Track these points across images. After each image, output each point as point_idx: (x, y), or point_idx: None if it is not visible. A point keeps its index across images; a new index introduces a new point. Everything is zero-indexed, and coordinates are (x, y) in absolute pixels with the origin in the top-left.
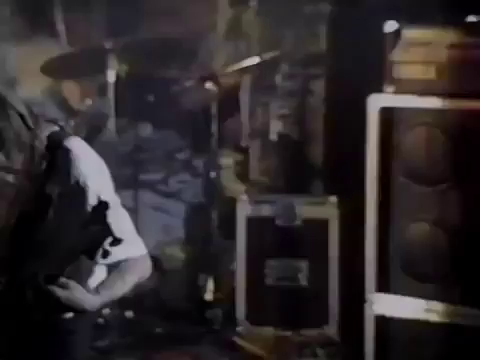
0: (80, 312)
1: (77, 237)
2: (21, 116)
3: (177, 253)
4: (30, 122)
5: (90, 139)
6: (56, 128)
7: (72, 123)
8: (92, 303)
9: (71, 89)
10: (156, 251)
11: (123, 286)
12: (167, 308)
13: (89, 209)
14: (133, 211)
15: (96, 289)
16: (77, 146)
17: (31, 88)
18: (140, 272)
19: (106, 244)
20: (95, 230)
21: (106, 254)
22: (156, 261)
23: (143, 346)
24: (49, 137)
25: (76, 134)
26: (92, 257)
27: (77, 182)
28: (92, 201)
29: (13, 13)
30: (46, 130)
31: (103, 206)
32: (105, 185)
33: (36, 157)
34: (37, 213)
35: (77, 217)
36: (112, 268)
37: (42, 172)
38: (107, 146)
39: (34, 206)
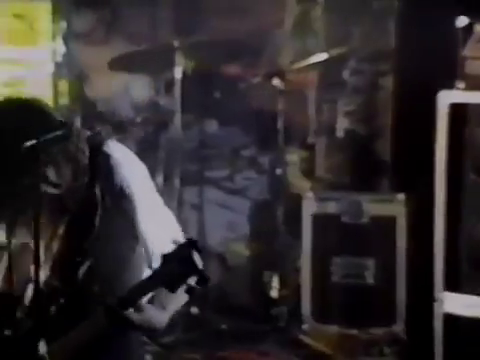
0: (151, 331)
1: (160, 270)
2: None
3: (242, 250)
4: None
5: (156, 135)
6: (92, 133)
7: (138, 119)
8: (161, 321)
9: (138, 86)
10: (221, 248)
11: (184, 297)
12: (232, 305)
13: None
14: (198, 208)
15: (162, 305)
16: (116, 151)
17: (100, 86)
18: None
19: (192, 281)
20: (180, 268)
21: (191, 291)
22: (221, 258)
23: (208, 343)
24: (88, 141)
25: (142, 130)
26: (174, 290)
27: (121, 188)
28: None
29: (82, 11)
30: (85, 136)
31: (190, 245)
32: (148, 187)
33: (81, 167)
34: (85, 222)
35: (126, 223)
36: None
37: (87, 181)
38: (173, 142)
39: (82, 215)
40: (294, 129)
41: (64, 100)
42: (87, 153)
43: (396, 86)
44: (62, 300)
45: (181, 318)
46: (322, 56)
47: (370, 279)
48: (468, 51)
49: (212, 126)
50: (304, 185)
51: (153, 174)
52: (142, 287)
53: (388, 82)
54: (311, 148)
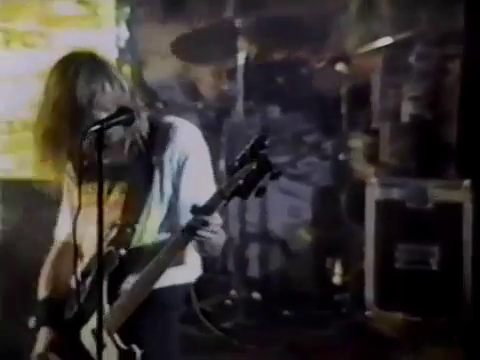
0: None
1: (228, 180)
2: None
3: (304, 236)
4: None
5: (218, 121)
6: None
7: (200, 106)
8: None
9: (200, 71)
10: (283, 234)
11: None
12: (294, 291)
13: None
14: None
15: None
16: (178, 121)
17: (160, 71)
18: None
19: (265, 180)
20: (253, 166)
21: (262, 191)
22: (283, 244)
23: (270, 328)
24: (149, 118)
25: (204, 117)
26: (246, 196)
27: (181, 151)
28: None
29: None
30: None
31: (262, 139)
32: (205, 160)
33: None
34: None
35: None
36: None
37: (147, 147)
38: (235, 128)
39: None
40: (358, 114)
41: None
42: (147, 128)
43: (464, 70)
44: (117, 263)
45: (243, 303)
46: (387, 40)
47: (435, 266)
48: None
49: (274, 112)
50: (368, 171)
51: (215, 160)
52: (217, 198)
53: (455, 66)
54: (375, 133)
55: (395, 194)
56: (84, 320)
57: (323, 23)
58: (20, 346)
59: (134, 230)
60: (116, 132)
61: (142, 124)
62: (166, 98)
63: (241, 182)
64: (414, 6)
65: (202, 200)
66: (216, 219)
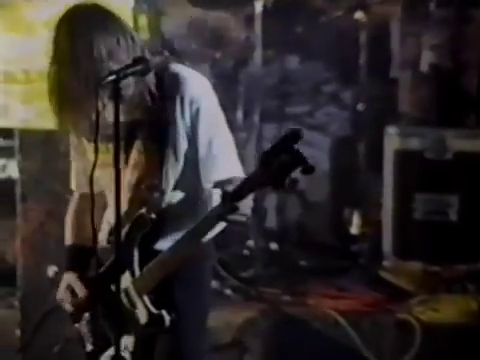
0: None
1: (260, 169)
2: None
3: (322, 186)
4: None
5: (236, 71)
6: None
7: (218, 55)
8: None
9: (217, 20)
10: (300, 184)
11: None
12: (312, 241)
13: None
14: None
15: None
16: (184, 70)
17: (178, 21)
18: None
19: (297, 172)
20: (285, 159)
21: (295, 182)
22: (301, 194)
23: (287, 278)
24: (156, 67)
25: (222, 66)
26: (279, 187)
27: (191, 102)
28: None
29: None
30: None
31: (297, 132)
32: (217, 106)
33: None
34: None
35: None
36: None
37: (155, 101)
38: (253, 78)
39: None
40: (377, 64)
41: (143, 35)
42: (154, 80)
43: None
44: (149, 227)
45: (261, 253)
46: None
47: (453, 216)
48: None
49: (293, 61)
50: (386, 121)
51: (233, 110)
52: (247, 186)
53: (478, 13)
54: (394, 83)
55: (414, 144)
56: (115, 277)
57: None
58: (42, 295)
59: (162, 193)
60: (127, 86)
61: (150, 77)
62: (183, 48)
63: (272, 173)
64: None
65: (220, 151)
66: (246, 205)
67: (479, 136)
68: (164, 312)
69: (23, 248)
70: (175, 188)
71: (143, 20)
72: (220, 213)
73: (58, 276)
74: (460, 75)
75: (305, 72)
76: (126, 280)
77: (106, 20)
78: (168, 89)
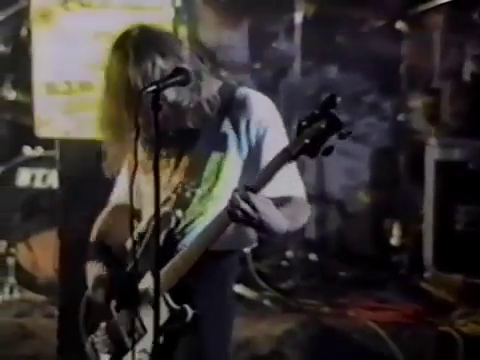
0: (269, 234)
1: (296, 139)
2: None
3: (362, 197)
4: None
5: (275, 81)
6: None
7: (257, 65)
8: (281, 226)
9: (257, 31)
10: (340, 195)
11: (300, 219)
12: (351, 252)
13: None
14: None
15: (289, 215)
16: (253, 94)
17: (218, 31)
18: (305, 214)
19: (333, 139)
20: (322, 125)
21: (329, 150)
22: (340, 205)
23: (327, 289)
24: (221, 88)
25: (261, 76)
26: (314, 155)
27: (258, 126)
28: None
29: None
30: (215, 85)
31: (332, 97)
32: (282, 132)
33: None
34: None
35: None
36: (283, 202)
37: (215, 113)
38: (292, 88)
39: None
40: (418, 74)
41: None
42: (213, 92)
43: None
44: (173, 224)
45: (300, 264)
46: None
47: None
48: None
49: (332, 71)
50: (427, 131)
51: None
52: (283, 155)
53: None
54: (436, 93)
55: (456, 155)
56: (138, 278)
57: None
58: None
59: (193, 194)
60: (182, 96)
61: (207, 87)
62: (223, 58)
63: (308, 141)
64: None
65: (282, 174)
66: (259, 198)
67: None
68: (187, 306)
69: (62, 257)
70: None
71: (183, 31)
72: (231, 201)
73: None
74: None
75: (345, 82)
76: (148, 280)
77: (142, 45)
78: (233, 106)
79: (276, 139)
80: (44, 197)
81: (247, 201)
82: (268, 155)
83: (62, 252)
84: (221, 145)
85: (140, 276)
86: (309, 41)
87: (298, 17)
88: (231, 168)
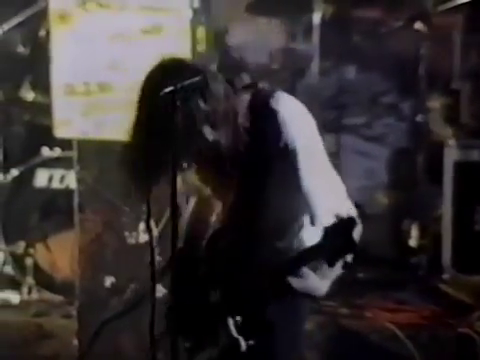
0: (310, 298)
1: (322, 243)
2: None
3: (380, 198)
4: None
5: (293, 82)
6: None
7: (275, 66)
8: (321, 288)
9: (275, 31)
10: (358, 196)
11: (339, 269)
12: (369, 253)
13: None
14: (335, 155)
15: (322, 274)
16: (285, 106)
17: (236, 32)
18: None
19: (349, 258)
20: (339, 244)
21: (347, 266)
22: (358, 206)
23: (345, 290)
24: (253, 97)
25: (279, 77)
26: (332, 265)
27: (286, 145)
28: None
29: None
30: (246, 91)
31: (351, 222)
32: (315, 142)
33: (238, 121)
34: (254, 177)
35: (287, 180)
36: None
37: (246, 135)
38: (310, 89)
39: (252, 170)
40: (437, 74)
41: (202, 47)
42: (246, 103)
43: None
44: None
45: None
46: None
47: None
48: None
49: (350, 72)
50: (446, 132)
51: None
52: (304, 257)
53: None
54: (455, 94)
55: (475, 156)
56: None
57: None
58: (99, 305)
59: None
60: (217, 102)
61: (243, 117)
62: (242, 59)
63: (328, 252)
64: None
65: (315, 187)
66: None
67: None
68: (241, 339)
69: (80, 258)
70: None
71: (201, 32)
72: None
73: (114, 286)
74: None
75: (363, 83)
76: (214, 297)
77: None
78: (266, 125)
79: (308, 149)
80: (62, 198)
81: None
82: (304, 171)
83: (80, 252)
84: (266, 165)
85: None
86: (327, 42)
87: (316, 18)
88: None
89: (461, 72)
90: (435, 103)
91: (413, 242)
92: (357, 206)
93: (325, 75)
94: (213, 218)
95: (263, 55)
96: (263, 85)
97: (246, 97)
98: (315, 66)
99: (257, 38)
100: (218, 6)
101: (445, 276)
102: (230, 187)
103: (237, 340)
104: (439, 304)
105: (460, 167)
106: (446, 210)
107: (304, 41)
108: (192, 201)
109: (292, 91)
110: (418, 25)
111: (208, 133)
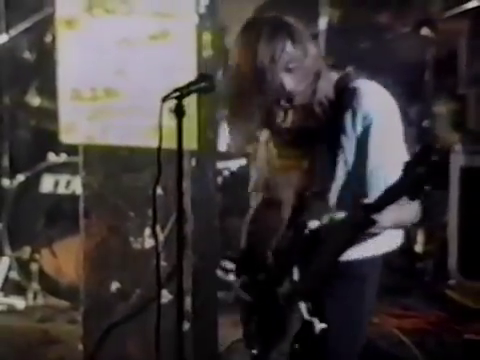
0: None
1: (401, 179)
2: None
3: None
4: None
5: None
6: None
7: None
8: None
9: None
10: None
11: (406, 216)
12: None
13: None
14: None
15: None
16: (364, 84)
17: None
18: (414, 213)
19: (428, 186)
20: (421, 171)
21: (427, 195)
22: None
23: None
24: (337, 81)
25: None
26: (414, 198)
27: (364, 117)
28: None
29: None
30: (331, 81)
31: (428, 149)
32: (393, 123)
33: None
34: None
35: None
36: None
37: (333, 111)
38: None
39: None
40: (443, 80)
41: (208, 52)
42: (332, 91)
43: None
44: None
45: None
46: (475, 3)
47: None
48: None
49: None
50: (453, 137)
51: None
52: (389, 196)
53: None
54: (461, 99)
55: None
56: (277, 282)
57: None
58: (104, 310)
59: (327, 202)
60: (301, 95)
61: (325, 85)
62: None
63: (411, 183)
64: None
65: (391, 168)
66: (385, 218)
67: None
68: (316, 320)
69: (86, 263)
70: (339, 201)
71: (207, 37)
72: (359, 225)
73: (120, 291)
74: None
75: None
76: (285, 287)
77: (275, 27)
78: (345, 100)
79: (382, 132)
80: (67, 203)
81: (373, 223)
82: (373, 150)
83: (85, 258)
84: (336, 144)
85: (281, 277)
86: (334, 47)
87: (323, 22)
88: (343, 166)
89: (467, 78)
90: (442, 108)
91: (419, 248)
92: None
93: None
94: (278, 219)
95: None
96: (351, 69)
97: (333, 75)
98: None
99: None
100: (225, 12)
101: (451, 282)
102: (301, 159)
103: (311, 323)
104: (445, 310)
105: (466, 172)
106: (452, 216)
107: None
108: (255, 202)
109: None
110: (425, 31)
111: (287, 81)
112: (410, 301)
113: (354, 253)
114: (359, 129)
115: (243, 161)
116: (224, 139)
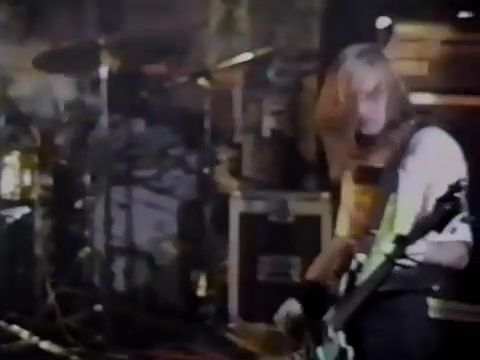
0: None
1: (430, 216)
2: None
3: (170, 249)
4: None
5: (83, 135)
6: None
7: (65, 119)
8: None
9: (63, 85)
10: (149, 247)
11: (438, 255)
12: (160, 304)
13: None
14: (126, 207)
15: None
16: (428, 135)
17: (23, 85)
18: (456, 255)
19: (456, 220)
20: (448, 207)
21: (454, 230)
22: (149, 257)
23: (136, 341)
24: (411, 130)
25: (69, 130)
26: (440, 231)
27: (425, 161)
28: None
29: (7, 15)
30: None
31: (459, 186)
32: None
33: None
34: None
35: None
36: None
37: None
38: (100, 142)
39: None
40: (221, 128)
41: None
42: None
43: (319, 86)
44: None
45: (109, 317)
46: (247, 56)
47: (296, 277)
48: (389, 52)
49: (139, 125)
50: (231, 184)
51: (81, 173)
52: (418, 230)
53: (311, 82)
54: (238, 147)
55: (258, 207)
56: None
57: (184, 38)
58: None
59: (374, 235)
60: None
61: (403, 131)
62: (31, 111)
63: (437, 218)
64: (273, 22)
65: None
66: (418, 250)
67: (318, 199)
68: (349, 348)
69: None
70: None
71: None
72: (391, 257)
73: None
74: (299, 140)
75: (151, 136)
76: (330, 313)
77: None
78: (410, 145)
79: (442, 177)
80: None
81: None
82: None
83: None
84: (394, 183)
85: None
86: (115, 95)
87: (103, 71)
88: (403, 207)
89: (242, 126)
90: (220, 156)
91: (201, 292)
92: (148, 257)
93: (114, 128)
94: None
95: (52, 108)
96: (423, 119)
97: (409, 124)
98: (104, 119)
99: (45, 91)
100: (4, 56)
101: (232, 325)
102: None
103: (345, 350)
104: (227, 353)
105: (245, 218)
106: (232, 260)
107: (92, 94)
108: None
109: (83, 144)
110: (201, 81)
111: (363, 108)
112: (194, 345)
113: (395, 285)
114: (422, 175)
115: (26, 209)
116: (5, 185)
